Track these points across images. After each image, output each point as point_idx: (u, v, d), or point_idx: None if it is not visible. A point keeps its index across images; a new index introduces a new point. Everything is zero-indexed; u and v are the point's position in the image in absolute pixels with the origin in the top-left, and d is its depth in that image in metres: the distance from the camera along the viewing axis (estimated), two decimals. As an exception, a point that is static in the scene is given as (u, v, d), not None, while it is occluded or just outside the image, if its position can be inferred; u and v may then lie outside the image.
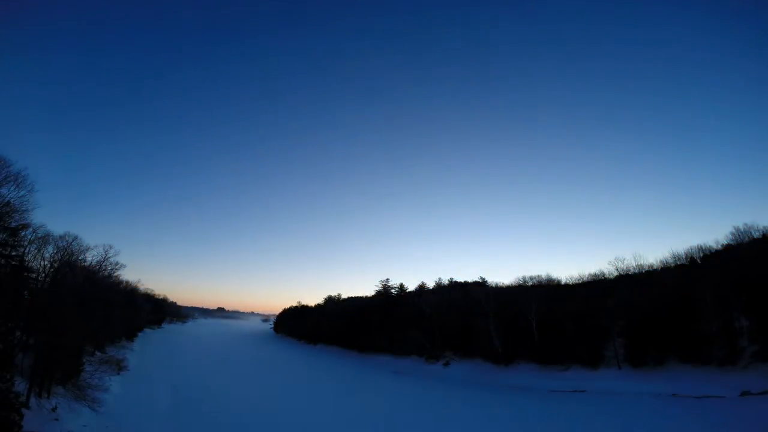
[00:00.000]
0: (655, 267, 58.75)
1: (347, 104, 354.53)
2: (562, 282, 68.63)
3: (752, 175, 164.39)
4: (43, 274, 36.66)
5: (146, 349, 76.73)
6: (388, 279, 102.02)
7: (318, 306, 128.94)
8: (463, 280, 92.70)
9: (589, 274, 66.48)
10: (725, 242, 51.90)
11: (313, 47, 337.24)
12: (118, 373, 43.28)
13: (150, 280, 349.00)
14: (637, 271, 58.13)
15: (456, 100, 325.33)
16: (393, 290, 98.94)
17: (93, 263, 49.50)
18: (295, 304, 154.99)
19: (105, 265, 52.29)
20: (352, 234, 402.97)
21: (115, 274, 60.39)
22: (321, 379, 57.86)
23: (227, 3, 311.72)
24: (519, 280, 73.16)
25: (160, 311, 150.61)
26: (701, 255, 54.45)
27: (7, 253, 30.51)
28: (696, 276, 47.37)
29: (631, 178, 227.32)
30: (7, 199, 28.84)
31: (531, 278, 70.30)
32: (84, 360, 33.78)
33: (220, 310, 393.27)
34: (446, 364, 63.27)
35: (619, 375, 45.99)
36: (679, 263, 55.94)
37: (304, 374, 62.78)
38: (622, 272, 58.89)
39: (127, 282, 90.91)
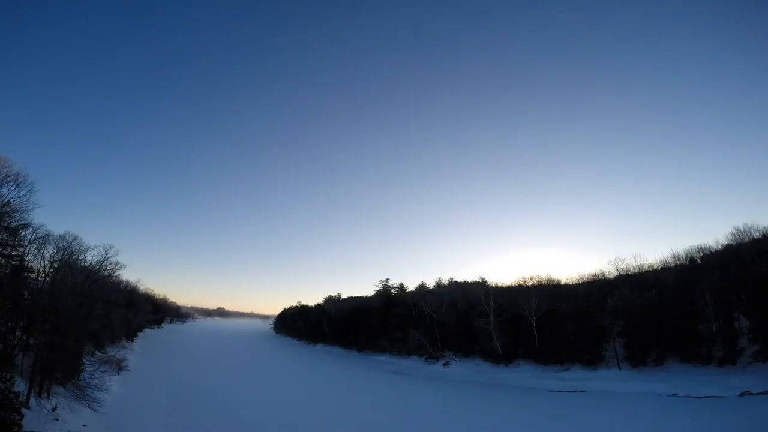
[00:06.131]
0: (655, 267, 59.18)
1: (347, 104, 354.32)
2: (562, 282, 69.02)
3: (752, 175, 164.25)
4: (43, 274, 36.76)
5: (146, 349, 76.72)
6: (388, 279, 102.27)
7: (318, 306, 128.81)
8: (463, 280, 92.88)
9: (589, 274, 67.01)
10: (725, 242, 52.28)
11: (313, 46, 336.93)
12: (118, 373, 43.19)
13: (150, 280, 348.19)
14: (637, 271, 58.43)
15: (455, 100, 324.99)
16: (393, 290, 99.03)
17: (93, 263, 49.42)
18: (295, 304, 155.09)
19: (105, 265, 52.15)
20: (352, 234, 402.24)
21: (115, 274, 60.33)
22: (321, 378, 57.83)
23: (230, 2, 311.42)
24: (519, 280, 73.70)
25: (160, 311, 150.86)
26: (701, 255, 54.78)
27: (7, 253, 30.63)
28: (696, 276, 47.52)
29: (631, 178, 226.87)
30: (7, 199, 28.96)
31: (531, 278, 70.71)
32: (84, 360, 33.69)
33: (220, 310, 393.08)
34: (446, 364, 63.27)
35: (618, 375, 45.97)
36: (679, 263, 56.31)
37: (303, 374, 62.79)
38: (622, 272, 59.20)
39: (127, 282, 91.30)
